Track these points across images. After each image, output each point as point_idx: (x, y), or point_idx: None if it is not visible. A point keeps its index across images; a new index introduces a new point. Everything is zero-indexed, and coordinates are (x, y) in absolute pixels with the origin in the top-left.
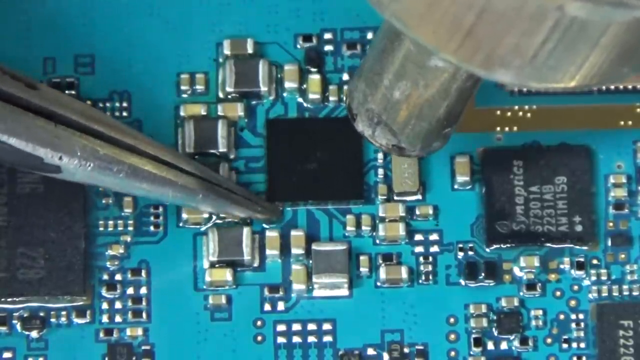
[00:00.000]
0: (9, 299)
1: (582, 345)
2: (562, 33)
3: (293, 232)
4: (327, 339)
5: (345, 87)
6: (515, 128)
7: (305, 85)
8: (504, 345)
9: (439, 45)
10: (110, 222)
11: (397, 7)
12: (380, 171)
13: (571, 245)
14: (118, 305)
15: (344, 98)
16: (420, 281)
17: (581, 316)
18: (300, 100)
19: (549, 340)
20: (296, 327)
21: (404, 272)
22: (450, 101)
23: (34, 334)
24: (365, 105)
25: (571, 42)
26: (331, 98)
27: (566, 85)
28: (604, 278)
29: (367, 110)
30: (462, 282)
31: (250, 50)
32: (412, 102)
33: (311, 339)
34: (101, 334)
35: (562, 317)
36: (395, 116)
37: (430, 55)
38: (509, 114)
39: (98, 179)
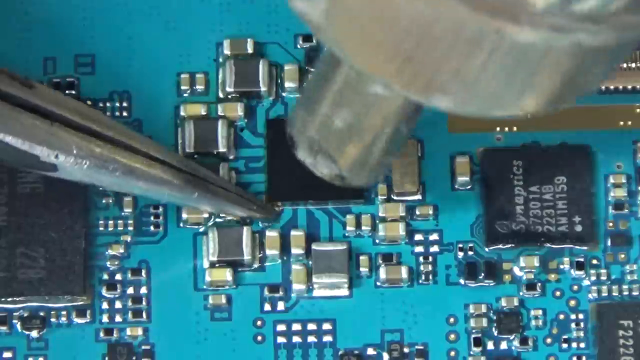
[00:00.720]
0: (9, 299)
1: (582, 345)
2: (501, 57)
3: (293, 232)
4: (327, 339)
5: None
6: (515, 128)
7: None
8: (503, 345)
9: (378, 72)
10: (111, 222)
11: (334, 31)
12: None
13: (571, 245)
14: (118, 305)
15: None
16: (420, 281)
17: (581, 316)
18: None
19: (548, 340)
20: (296, 327)
21: (403, 272)
22: (392, 129)
23: (34, 333)
24: (305, 132)
25: (512, 67)
26: None
27: (509, 113)
28: (603, 278)
29: (308, 138)
30: (462, 282)
31: (250, 50)
32: (352, 130)
33: (311, 339)
34: (101, 334)
35: (562, 317)
36: (335, 144)
37: (370, 82)
38: None
39: (94, 178)
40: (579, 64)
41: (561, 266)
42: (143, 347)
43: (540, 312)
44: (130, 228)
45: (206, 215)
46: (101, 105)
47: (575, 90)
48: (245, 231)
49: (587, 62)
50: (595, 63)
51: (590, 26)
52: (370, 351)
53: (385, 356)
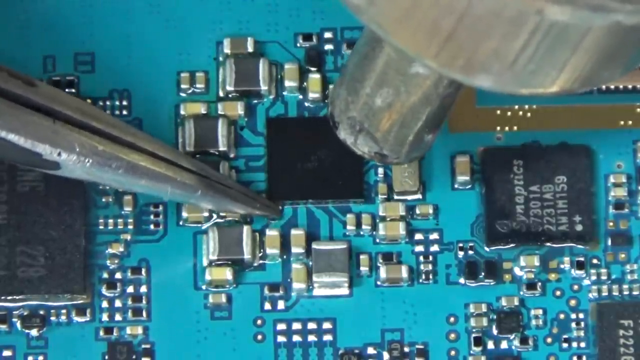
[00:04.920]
0: (9, 297)
1: (582, 344)
2: (542, 37)
3: (293, 231)
4: (327, 338)
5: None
6: (515, 127)
7: (305, 84)
8: (504, 345)
9: (419, 51)
10: (110, 221)
11: (375, 11)
12: (380, 170)
13: (571, 245)
14: (118, 303)
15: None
16: (420, 280)
17: (581, 316)
18: (300, 99)
19: (549, 340)
20: (296, 326)
21: (404, 272)
22: (432, 108)
23: (34, 332)
24: (347, 113)
25: (551, 47)
26: None
27: (547, 90)
28: (604, 278)
29: (349, 118)
30: (462, 281)
31: (250, 49)
32: (394, 109)
33: (311, 338)
34: (101, 333)
35: (562, 316)
36: (377, 124)
37: (411, 62)
38: (509, 113)
39: (97, 175)
40: (618, 43)
41: (561, 266)
42: (143, 346)
43: (540, 311)
44: (130, 227)
45: (206, 214)
46: (101, 103)
47: (612, 69)
48: (246, 230)
49: (625, 41)
50: (632, 43)
51: (628, 6)
52: (371, 350)
53: (386, 355)
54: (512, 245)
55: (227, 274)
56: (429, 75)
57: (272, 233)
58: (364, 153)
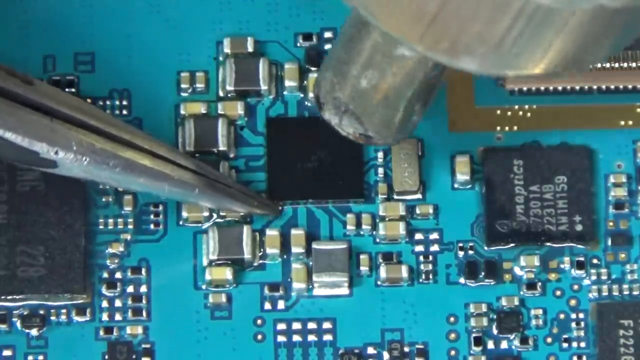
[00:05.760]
0: (9, 297)
1: (582, 344)
2: (526, 20)
3: (293, 231)
4: (327, 337)
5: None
6: (515, 127)
7: (305, 84)
8: (504, 345)
9: (404, 34)
10: (111, 220)
11: None
12: (381, 170)
13: (571, 245)
14: (118, 303)
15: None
16: (420, 280)
17: (581, 315)
18: (300, 99)
19: (549, 340)
20: (296, 325)
21: (404, 271)
22: (417, 90)
23: (34, 332)
24: (333, 94)
25: (536, 29)
26: None
27: (531, 71)
28: (604, 277)
29: (335, 99)
30: (462, 281)
31: (250, 49)
32: (379, 90)
33: (311, 337)
34: (101, 332)
35: (562, 316)
36: (362, 105)
37: (397, 44)
38: (509, 113)
39: (94, 174)
40: (602, 26)
41: (561, 265)
42: (143, 346)
43: (540, 311)
44: (130, 226)
45: (206, 214)
46: (101, 103)
47: (596, 52)
48: (246, 230)
49: (609, 24)
50: (616, 26)
51: None
52: (371, 350)
53: (386, 355)
54: (512, 245)
55: (227, 273)
56: (413, 57)
57: (272, 233)
58: (349, 134)
